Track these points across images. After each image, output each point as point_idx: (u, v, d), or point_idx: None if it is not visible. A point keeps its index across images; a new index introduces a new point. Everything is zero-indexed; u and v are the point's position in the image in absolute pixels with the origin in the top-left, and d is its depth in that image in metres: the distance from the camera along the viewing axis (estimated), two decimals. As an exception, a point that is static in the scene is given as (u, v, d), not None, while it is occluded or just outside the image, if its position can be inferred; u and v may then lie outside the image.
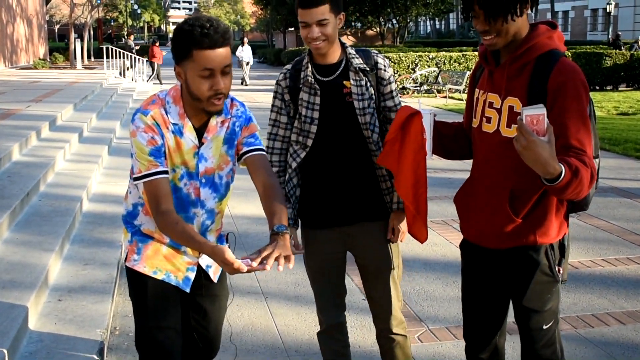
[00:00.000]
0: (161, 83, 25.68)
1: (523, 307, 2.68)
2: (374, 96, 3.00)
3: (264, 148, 2.79)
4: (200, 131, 2.67)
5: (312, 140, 3.01)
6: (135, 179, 2.61)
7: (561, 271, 2.63)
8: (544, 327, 2.67)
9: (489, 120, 2.61)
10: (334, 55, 2.97)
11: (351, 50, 3.00)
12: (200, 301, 2.95)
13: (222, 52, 2.46)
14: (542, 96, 2.43)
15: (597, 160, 2.55)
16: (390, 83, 3.05)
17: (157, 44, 27.90)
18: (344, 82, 2.97)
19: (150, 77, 26.66)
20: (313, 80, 2.97)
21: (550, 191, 2.28)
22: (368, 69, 2.98)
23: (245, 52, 27.06)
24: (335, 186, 3.03)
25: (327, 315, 3.27)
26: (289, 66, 3.13)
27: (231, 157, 2.78)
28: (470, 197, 2.75)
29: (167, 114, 2.62)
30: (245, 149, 2.75)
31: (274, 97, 3.13)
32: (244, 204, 7.38)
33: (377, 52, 3.08)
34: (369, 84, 2.98)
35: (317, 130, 3.00)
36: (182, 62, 2.50)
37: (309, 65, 3.00)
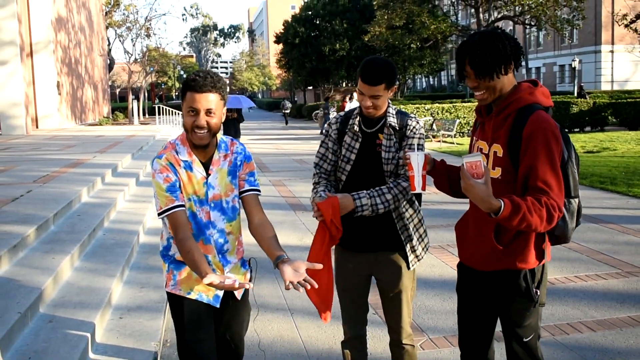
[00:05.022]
0: None
1: (505, 322, 2.66)
2: (399, 150, 2.99)
3: (259, 189, 2.88)
4: (206, 165, 2.75)
5: (345, 176, 3.06)
6: (159, 214, 2.67)
7: (538, 293, 2.57)
8: (524, 339, 2.63)
9: None
10: (380, 112, 2.98)
11: (391, 110, 3.01)
12: (225, 316, 2.96)
13: (206, 96, 2.58)
14: (519, 143, 2.42)
15: (576, 199, 2.51)
16: (409, 140, 2.96)
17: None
18: (379, 135, 3.00)
19: None
20: (357, 129, 3.02)
21: (498, 222, 2.31)
22: (398, 127, 2.98)
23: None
24: (360, 218, 3.00)
25: (351, 327, 3.24)
26: (342, 113, 3.18)
27: (235, 185, 2.82)
28: (465, 226, 2.76)
29: (177, 154, 2.71)
30: (246, 187, 2.83)
31: (324, 135, 3.17)
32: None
33: (414, 116, 3.05)
34: (395, 139, 2.98)
35: (350, 169, 3.03)
36: (182, 102, 2.65)
37: (358, 117, 3.05)
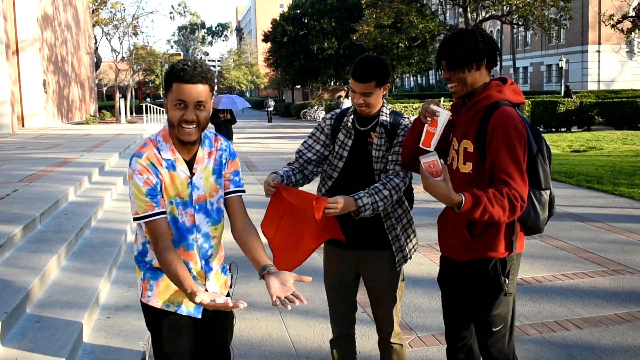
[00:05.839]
0: None
1: (476, 310, 2.72)
2: (390, 149, 2.99)
3: (244, 189, 2.68)
4: (190, 163, 2.52)
5: (337, 173, 3.05)
6: (135, 219, 2.45)
7: (507, 282, 2.63)
8: (493, 329, 2.68)
9: (453, 159, 2.71)
10: (373, 111, 2.98)
11: (385, 110, 3.01)
12: (209, 324, 2.80)
13: (196, 87, 2.36)
14: (485, 138, 2.51)
15: (547, 191, 2.58)
16: (399, 139, 2.97)
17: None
18: (371, 133, 3.00)
19: None
20: (351, 126, 3.03)
21: (461, 215, 2.40)
22: (390, 126, 2.98)
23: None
24: (347, 214, 2.96)
25: (339, 326, 3.24)
26: (338, 110, 3.18)
27: (220, 185, 2.61)
28: (444, 219, 2.84)
29: (159, 152, 2.46)
30: (231, 187, 2.63)
31: (315, 129, 3.17)
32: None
33: (407, 117, 3.06)
34: (387, 138, 2.97)
35: (342, 166, 3.03)
36: (166, 94, 2.42)
37: (352, 114, 3.06)
